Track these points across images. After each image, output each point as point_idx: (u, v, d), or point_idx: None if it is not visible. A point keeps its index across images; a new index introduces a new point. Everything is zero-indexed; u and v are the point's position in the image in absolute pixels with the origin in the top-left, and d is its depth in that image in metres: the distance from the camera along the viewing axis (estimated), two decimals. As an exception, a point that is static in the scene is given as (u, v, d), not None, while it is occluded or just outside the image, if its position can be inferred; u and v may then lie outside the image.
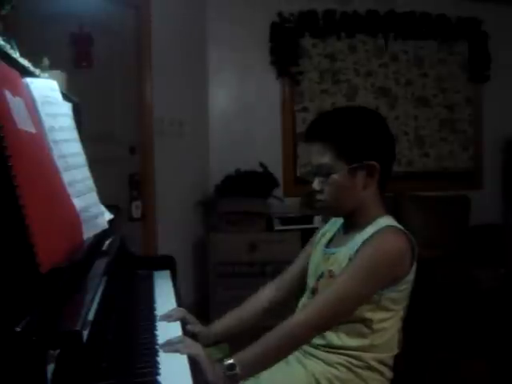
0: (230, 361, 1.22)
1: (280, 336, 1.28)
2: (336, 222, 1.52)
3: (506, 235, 3.83)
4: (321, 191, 1.38)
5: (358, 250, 1.31)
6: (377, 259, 1.29)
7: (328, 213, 1.44)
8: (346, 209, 1.40)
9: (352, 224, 1.42)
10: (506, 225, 4.20)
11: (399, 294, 1.33)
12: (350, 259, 1.33)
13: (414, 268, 1.34)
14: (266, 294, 1.60)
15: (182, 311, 1.45)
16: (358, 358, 1.33)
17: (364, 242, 1.31)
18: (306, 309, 1.32)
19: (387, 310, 1.33)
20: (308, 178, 1.45)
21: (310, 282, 1.47)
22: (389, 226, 1.33)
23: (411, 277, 1.35)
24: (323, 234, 1.53)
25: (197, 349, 1.21)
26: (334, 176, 1.35)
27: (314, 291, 1.44)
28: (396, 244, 1.31)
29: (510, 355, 2.88)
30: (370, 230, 1.34)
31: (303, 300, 1.48)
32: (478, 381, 2.76)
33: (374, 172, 1.35)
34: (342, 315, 1.31)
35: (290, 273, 1.57)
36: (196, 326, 1.49)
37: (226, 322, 1.56)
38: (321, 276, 1.42)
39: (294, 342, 1.30)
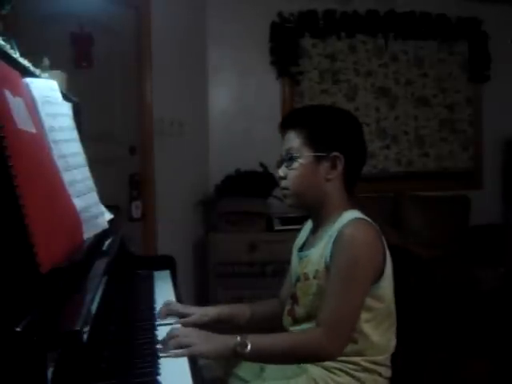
0: (246, 340, 1.22)
1: (298, 344, 1.29)
2: (308, 226, 1.54)
3: (506, 235, 3.83)
4: (285, 177, 1.42)
5: (332, 255, 1.32)
6: (356, 257, 1.29)
7: (291, 202, 1.44)
8: (307, 198, 1.42)
9: (319, 222, 1.44)
10: (506, 225, 4.20)
11: (382, 290, 1.34)
12: (326, 265, 1.33)
13: (388, 260, 1.36)
14: (270, 304, 1.61)
15: (172, 310, 1.43)
16: (353, 363, 1.33)
17: (335, 243, 1.31)
18: (322, 328, 1.28)
19: (371, 309, 1.33)
20: (277, 166, 1.47)
21: (291, 287, 1.49)
22: (355, 219, 1.34)
23: (389, 270, 1.36)
24: (299, 240, 1.55)
25: (190, 341, 1.19)
26: (299, 161, 1.39)
27: (293, 296, 1.45)
28: (366, 235, 1.32)
29: (510, 355, 2.88)
30: (337, 226, 1.35)
31: (287, 307, 1.48)
32: (479, 381, 2.76)
33: (338, 164, 1.38)
34: (353, 325, 1.31)
35: (286, 285, 1.58)
36: (192, 317, 1.46)
37: (229, 308, 1.56)
38: (297, 280, 1.44)
39: (309, 354, 1.30)
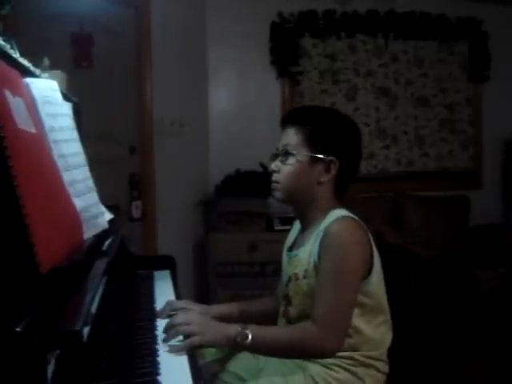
0: (246, 331, 1.24)
1: (298, 339, 1.29)
2: (296, 226, 1.55)
3: (506, 235, 3.83)
4: (278, 171, 1.42)
5: (320, 253, 1.32)
6: (344, 252, 1.30)
7: (280, 196, 1.44)
8: (296, 196, 1.43)
9: (306, 222, 1.45)
10: (506, 225, 4.20)
11: (371, 286, 1.35)
12: (315, 263, 1.34)
13: (376, 257, 1.36)
14: (266, 301, 1.62)
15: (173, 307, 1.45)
16: (349, 358, 1.34)
17: (322, 241, 1.32)
18: (317, 325, 1.29)
19: (361, 305, 1.34)
20: (270, 159, 1.48)
21: (283, 288, 1.49)
22: (341, 217, 1.35)
23: (378, 266, 1.37)
24: (288, 240, 1.56)
25: (190, 329, 1.21)
26: (295, 158, 1.39)
27: (285, 297, 1.45)
28: (353, 232, 1.33)
29: (510, 355, 2.88)
30: (323, 224, 1.36)
31: (281, 308, 1.49)
32: (478, 381, 2.76)
33: (332, 168, 1.39)
34: (349, 319, 1.31)
35: (281, 284, 1.58)
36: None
37: (226, 307, 1.58)
38: (289, 281, 1.44)
39: (307, 349, 1.30)
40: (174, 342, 1.20)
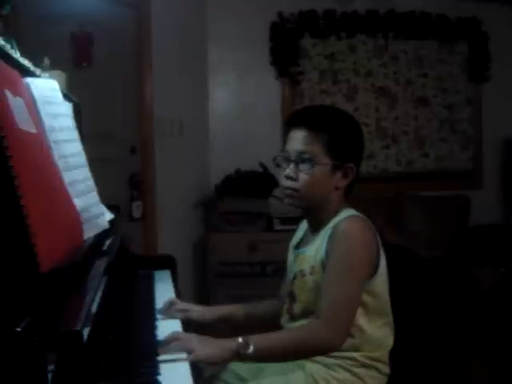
0: (248, 341, 1.22)
1: (300, 339, 1.29)
2: (304, 225, 1.54)
3: (506, 235, 3.83)
4: (295, 179, 1.39)
5: (327, 250, 1.33)
6: (352, 249, 1.31)
7: (294, 203, 1.42)
8: (311, 202, 1.42)
9: (316, 222, 1.44)
10: (506, 225, 4.20)
11: (375, 286, 1.35)
12: (321, 260, 1.34)
13: (382, 258, 1.37)
14: (270, 304, 1.62)
15: (175, 308, 1.45)
16: (351, 359, 1.34)
17: (331, 238, 1.33)
18: (321, 322, 1.29)
19: (365, 305, 1.34)
20: (277, 161, 1.45)
21: (288, 285, 1.49)
22: (349, 216, 1.36)
23: (383, 268, 1.37)
24: (295, 238, 1.56)
25: (192, 346, 1.19)
26: (317, 168, 1.37)
27: (290, 294, 1.46)
28: (361, 230, 1.34)
29: (510, 356, 2.88)
30: (332, 223, 1.37)
31: (285, 305, 1.48)
32: (478, 381, 2.76)
33: (350, 175, 1.40)
34: (353, 316, 1.32)
35: (285, 285, 1.58)
36: (192, 313, 1.48)
37: (228, 309, 1.57)
38: (294, 278, 1.45)
39: (312, 348, 1.30)
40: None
